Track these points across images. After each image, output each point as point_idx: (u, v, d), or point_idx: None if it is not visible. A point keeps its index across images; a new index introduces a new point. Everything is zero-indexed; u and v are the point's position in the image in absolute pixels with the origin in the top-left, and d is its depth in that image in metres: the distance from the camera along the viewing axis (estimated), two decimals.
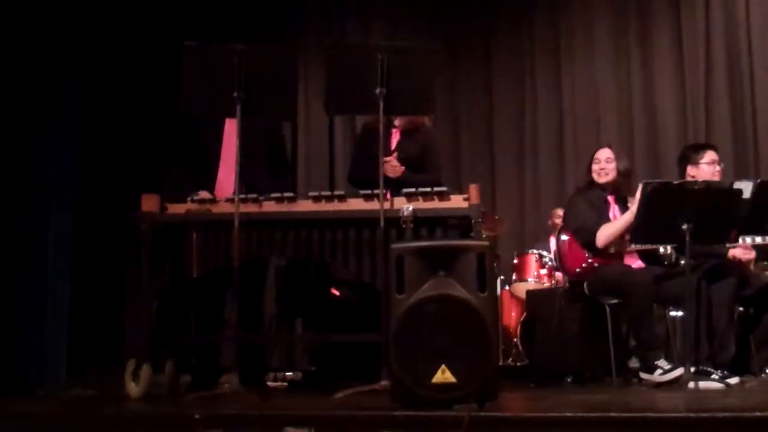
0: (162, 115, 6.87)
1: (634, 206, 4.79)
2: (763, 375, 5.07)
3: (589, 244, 5.09)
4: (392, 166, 4.88)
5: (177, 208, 4.34)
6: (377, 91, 4.20)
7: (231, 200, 4.24)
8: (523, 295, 6.77)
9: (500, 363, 6.40)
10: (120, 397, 4.13)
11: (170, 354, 4.50)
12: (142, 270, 4.30)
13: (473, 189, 4.25)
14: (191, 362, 4.70)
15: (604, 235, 5.03)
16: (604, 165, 5.29)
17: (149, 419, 3.49)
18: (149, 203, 4.30)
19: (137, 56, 7.37)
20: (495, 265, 6.65)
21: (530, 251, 7.22)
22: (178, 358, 4.49)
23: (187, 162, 4.85)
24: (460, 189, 4.37)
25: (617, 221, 5.06)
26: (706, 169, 5.24)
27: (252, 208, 4.28)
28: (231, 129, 4.67)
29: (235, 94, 4.17)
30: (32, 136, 5.57)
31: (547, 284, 6.96)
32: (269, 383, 5.29)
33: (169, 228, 4.34)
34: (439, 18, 8.74)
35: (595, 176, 5.29)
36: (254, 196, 4.30)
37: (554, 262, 6.79)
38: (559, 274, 6.65)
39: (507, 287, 7.26)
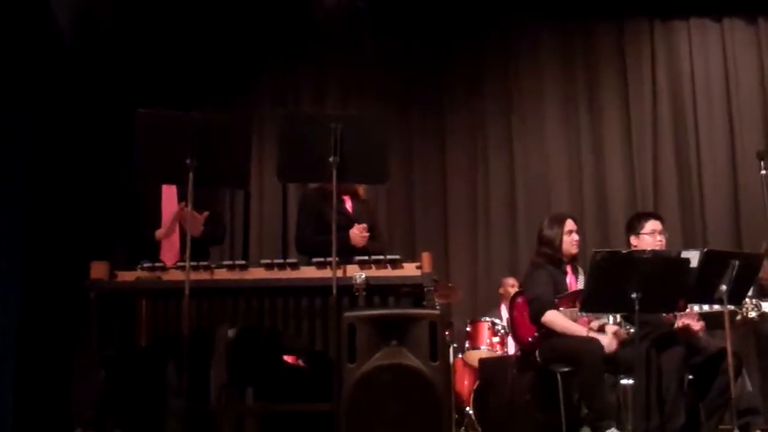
0: (108, 181, 6.84)
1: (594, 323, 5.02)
2: None
3: (535, 315, 5.11)
4: (363, 237, 4.92)
5: (126, 276, 4.30)
6: (331, 159, 4.23)
7: (181, 267, 4.21)
8: (476, 363, 6.75)
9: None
10: None
11: (117, 424, 4.41)
12: (91, 338, 4.22)
13: (426, 257, 4.26)
14: None
15: (551, 320, 5.06)
16: (576, 236, 5.36)
17: None
18: (98, 270, 4.25)
19: (87, 122, 7.35)
20: (448, 333, 6.71)
21: (483, 319, 7.22)
22: (125, 429, 4.40)
23: (135, 230, 4.82)
24: (413, 257, 4.38)
25: (569, 324, 5.05)
26: (647, 239, 5.32)
27: (203, 275, 4.25)
28: (169, 194, 4.69)
29: (188, 161, 4.16)
30: None
31: (499, 352, 6.96)
32: None
33: (118, 295, 4.28)
34: (392, 86, 8.85)
35: (569, 248, 5.31)
36: (205, 263, 4.28)
37: (507, 330, 6.81)
38: (511, 342, 6.66)
39: (460, 355, 7.23)
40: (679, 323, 5.14)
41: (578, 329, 5.00)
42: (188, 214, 4.46)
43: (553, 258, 5.29)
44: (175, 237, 4.73)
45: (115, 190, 5.71)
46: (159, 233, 4.75)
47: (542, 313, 5.06)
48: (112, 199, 6.70)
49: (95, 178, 7.25)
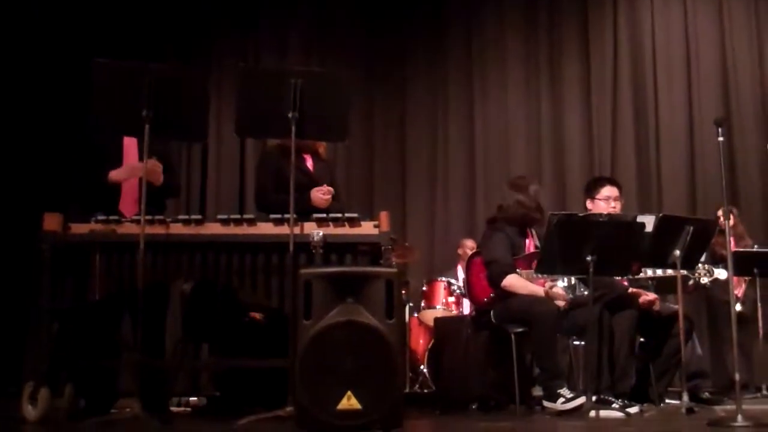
0: (64, 132, 6.73)
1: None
2: (662, 404, 5.19)
3: (495, 278, 5.14)
4: (325, 199, 4.87)
5: (81, 228, 4.23)
6: (290, 115, 4.19)
7: (137, 221, 4.16)
8: (431, 323, 6.79)
9: (407, 390, 6.41)
10: (17, 420, 3.99)
11: (69, 377, 4.38)
12: (43, 291, 4.17)
13: (384, 216, 4.26)
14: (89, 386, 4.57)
15: (511, 284, 5.08)
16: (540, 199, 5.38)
17: None
18: (52, 222, 4.18)
19: (43, 72, 7.21)
20: (404, 292, 6.73)
21: (439, 279, 7.26)
22: (77, 382, 4.37)
23: (91, 181, 4.73)
24: (372, 216, 4.37)
25: (529, 286, 5.08)
26: (601, 204, 5.35)
27: (158, 229, 4.20)
28: (130, 146, 4.62)
29: (144, 113, 4.09)
30: None
31: (455, 312, 7.01)
32: (172, 408, 5.18)
33: (71, 248, 4.22)
34: (355, 45, 8.79)
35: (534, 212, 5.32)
36: (161, 217, 4.23)
37: (462, 291, 6.85)
38: (467, 302, 6.70)
39: (416, 314, 7.28)
40: (643, 301, 5.19)
41: (537, 290, 5.04)
42: (151, 165, 4.41)
43: (522, 220, 5.30)
44: (134, 188, 4.63)
45: (72, 141, 5.61)
46: (114, 174, 4.63)
47: (503, 277, 5.09)
48: (68, 150, 6.59)
49: (51, 128, 7.14)
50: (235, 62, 8.22)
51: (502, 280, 5.09)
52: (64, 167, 6.40)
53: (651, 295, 5.25)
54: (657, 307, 5.24)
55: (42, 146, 7.16)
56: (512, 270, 5.11)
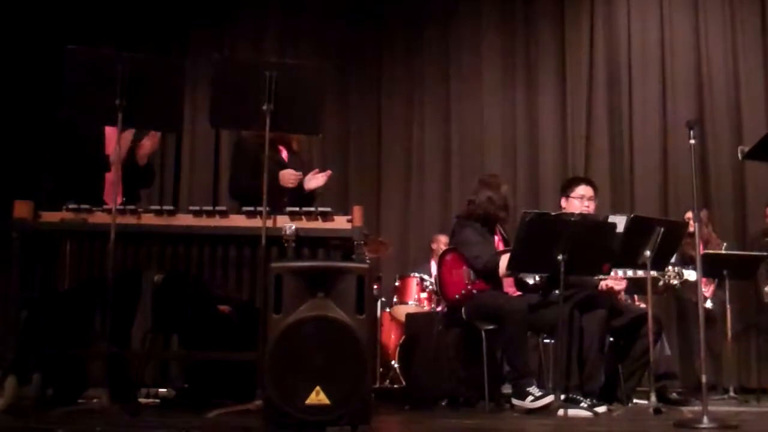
0: (39, 120, 6.66)
1: None
2: (629, 404, 5.22)
3: (489, 271, 5.12)
4: (293, 180, 4.87)
5: (51, 216, 4.20)
6: (264, 107, 4.17)
7: (108, 210, 4.13)
8: (403, 318, 6.80)
9: (378, 385, 6.42)
10: None
11: (38, 366, 4.35)
12: (12, 278, 4.13)
13: (357, 211, 4.25)
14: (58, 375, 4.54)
15: (504, 266, 5.08)
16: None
17: None
18: (22, 210, 4.14)
19: (14, 60, 7.14)
20: (376, 287, 6.73)
21: (412, 274, 7.27)
22: (46, 371, 4.34)
23: (66, 169, 4.69)
24: (346, 210, 4.36)
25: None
26: (575, 203, 5.37)
27: (130, 219, 4.18)
28: (112, 135, 4.58)
29: (117, 102, 4.06)
30: None
31: (427, 308, 7.02)
32: (141, 400, 5.15)
33: (42, 236, 4.19)
34: (331, 39, 8.78)
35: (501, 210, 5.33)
36: (132, 207, 4.21)
37: (434, 287, 6.86)
38: (439, 299, 6.71)
39: (388, 309, 7.28)
40: (603, 285, 5.24)
41: None
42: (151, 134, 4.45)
43: (491, 217, 5.30)
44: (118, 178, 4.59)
45: (48, 129, 5.56)
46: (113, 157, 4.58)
47: (497, 266, 5.06)
48: (42, 138, 6.53)
49: (23, 116, 7.07)
50: (211, 53, 8.22)
51: (498, 270, 5.06)
52: (38, 155, 6.35)
53: (619, 284, 5.28)
54: (618, 288, 5.28)
55: (14, 133, 7.09)
56: (497, 256, 5.10)
